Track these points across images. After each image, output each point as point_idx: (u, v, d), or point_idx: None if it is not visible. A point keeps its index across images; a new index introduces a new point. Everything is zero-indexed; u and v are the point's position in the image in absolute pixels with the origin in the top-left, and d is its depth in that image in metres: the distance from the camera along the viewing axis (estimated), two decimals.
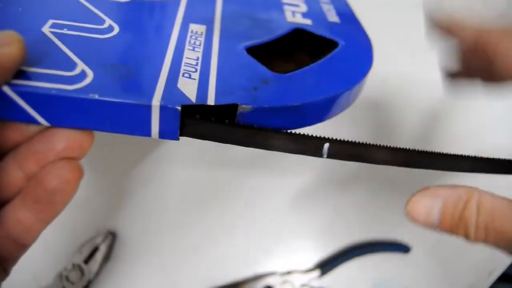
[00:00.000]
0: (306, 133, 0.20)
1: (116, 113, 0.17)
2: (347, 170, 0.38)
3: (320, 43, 0.24)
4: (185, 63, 0.19)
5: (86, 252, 0.33)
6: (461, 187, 0.19)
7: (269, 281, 0.35)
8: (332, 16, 0.26)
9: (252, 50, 0.22)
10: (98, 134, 0.18)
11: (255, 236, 0.37)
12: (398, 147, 0.21)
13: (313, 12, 0.26)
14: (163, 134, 0.18)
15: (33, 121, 0.16)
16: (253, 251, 0.37)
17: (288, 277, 0.36)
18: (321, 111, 0.21)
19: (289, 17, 0.25)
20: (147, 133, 0.17)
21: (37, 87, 0.16)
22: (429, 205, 0.20)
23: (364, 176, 0.38)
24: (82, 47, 0.18)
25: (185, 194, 0.37)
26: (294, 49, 0.26)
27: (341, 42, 0.24)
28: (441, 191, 0.20)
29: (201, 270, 0.36)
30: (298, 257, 0.37)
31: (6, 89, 0.15)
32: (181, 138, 0.18)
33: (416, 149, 0.22)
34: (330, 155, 0.20)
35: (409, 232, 0.38)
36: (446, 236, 0.37)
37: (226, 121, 0.18)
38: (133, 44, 0.20)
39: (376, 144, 0.21)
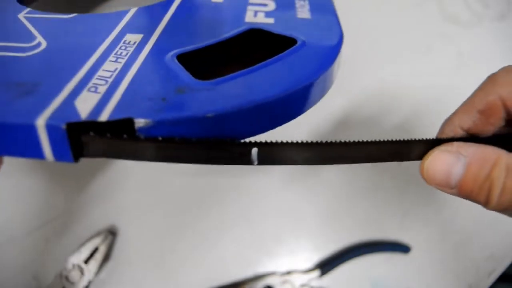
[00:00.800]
0: (228, 140, 0.17)
1: (4, 134, 0.16)
2: (347, 170, 0.38)
3: (280, 42, 0.22)
4: (98, 75, 0.18)
5: (86, 252, 0.33)
6: (489, 147, 0.17)
7: (269, 281, 0.35)
8: (304, 13, 0.25)
9: (197, 56, 0.21)
10: None
11: (255, 236, 0.37)
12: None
13: (281, 9, 0.25)
14: (58, 156, 0.16)
15: None
16: (253, 251, 0.37)
17: (288, 277, 0.36)
18: (247, 121, 0.18)
19: (249, 17, 0.24)
20: (41, 155, 0.16)
21: None
22: (450, 162, 0.17)
23: (364, 176, 0.38)
24: None
25: (185, 194, 0.37)
26: (251, 50, 0.24)
27: (300, 40, 0.22)
28: (466, 148, 0.17)
29: (201, 270, 0.36)
30: (298, 257, 0.37)
31: None
32: None
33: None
34: (262, 161, 0.17)
35: (409, 232, 0.38)
36: (446, 236, 0.37)
37: (125, 135, 0.16)
38: (54, 60, 0.19)
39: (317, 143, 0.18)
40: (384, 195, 0.39)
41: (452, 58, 0.41)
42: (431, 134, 0.22)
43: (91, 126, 0.16)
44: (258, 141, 0.17)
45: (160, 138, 0.16)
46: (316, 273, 0.36)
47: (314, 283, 0.36)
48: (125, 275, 0.35)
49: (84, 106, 0.16)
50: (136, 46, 0.21)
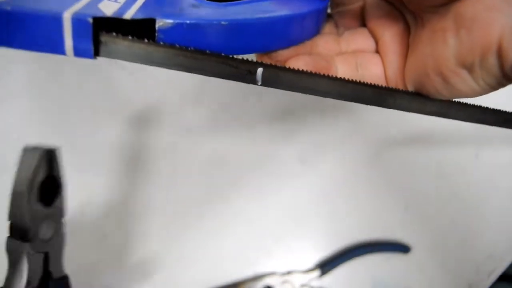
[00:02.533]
0: (238, 57, 0.18)
1: (29, 26, 0.16)
2: (347, 169, 0.38)
3: None
4: None
5: None
6: None
7: (269, 281, 0.35)
8: None
9: None
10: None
11: (255, 236, 0.37)
12: (346, 78, 0.20)
13: None
14: (78, 52, 0.17)
15: None
16: (253, 251, 0.37)
17: (288, 277, 0.36)
18: (258, 33, 0.19)
19: None
20: (61, 50, 0.17)
21: None
22: None
23: (364, 176, 0.38)
24: None
25: (184, 194, 0.37)
26: None
27: None
28: None
29: (201, 270, 0.36)
30: (298, 257, 0.37)
31: None
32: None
33: (369, 83, 0.21)
34: (265, 82, 0.19)
35: (409, 232, 0.38)
36: (446, 236, 0.37)
37: (145, 39, 0.17)
38: None
39: (318, 73, 0.20)
40: (384, 195, 0.39)
41: None
42: None
43: (115, 23, 0.17)
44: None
45: (177, 45, 0.17)
46: (316, 273, 0.36)
47: (314, 283, 0.36)
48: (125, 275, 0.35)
49: (108, 9, 0.17)
50: None
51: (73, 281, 0.23)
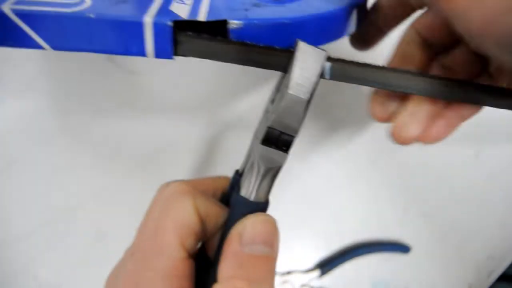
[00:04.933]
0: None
1: (111, 32, 0.18)
2: (347, 169, 0.38)
3: None
4: None
5: None
6: None
7: None
8: None
9: None
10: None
11: None
12: (419, 71, 0.21)
13: None
14: (158, 53, 0.18)
15: (36, 46, 0.18)
16: None
17: (288, 277, 0.36)
18: (316, 29, 0.20)
19: None
20: (142, 52, 0.18)
21: (38, 10, 0.17)
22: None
23: (364, 175, 0.38)
24: None
25: None
26: None
27: None
28: None
29: None
30: (298, 257, 0.37)
31: (8, 11, 0.17)
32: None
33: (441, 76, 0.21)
34: (334, 76, 0.20)
35: (409, 232, 0.38)
36: (446, 236, 0.37)
37: (218, 37, 0.19)
38: None
39: (384, 67, 0.20)
40: (384, 195, 0.39)
41: None
42: None
43: (192, 25, 0.18)
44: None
45: (249, 42, 0.19)
46: (316, 273, 0.36)
47: (314, 283, 0.36)
48: None
49: (180, 11, 0.19)
50: None
51: None
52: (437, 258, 0.38)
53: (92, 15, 0.17)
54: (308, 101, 0.18)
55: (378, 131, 0.39)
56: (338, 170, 0.38)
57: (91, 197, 0.35)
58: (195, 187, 0.21)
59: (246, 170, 0.20)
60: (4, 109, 0.34)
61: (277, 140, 0.19)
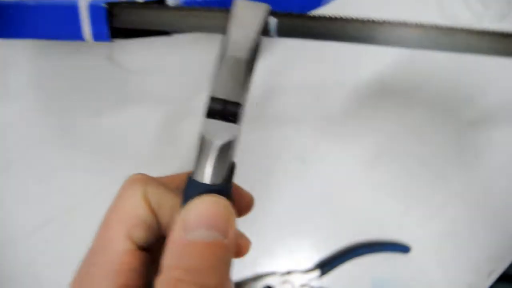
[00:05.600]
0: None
1: (50, 18, 0.18)
2: (347, 169, 0.38)
3: None
4: None
5: None
6: None
7: (269, 281, 0.35)
8: None
9: None
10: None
11: (255, 236, 0.37)
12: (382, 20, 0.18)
13: None
14: (96, 36, 0.19)
15: None
16: (253, 251, 0.36)
17: (288, 277, 0.36)
18: None
19: None
20: (79, 35, 0.19)
21: None
22: None
23: (364, 175, 0.38)
24: None
25: None
26: None
27: None
28: None
29: None
30: (298, 257, 0.37)
31: None
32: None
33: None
34: (282, 32, 0.17)
35: (409, 232, 0.38)
36: (446, 236, 0.37)
37: (154, 5, 0.18)
38: None
39: (340, 17, 0.18)
40: (384, 195, 0.39)
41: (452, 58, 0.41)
42: None
43: (127, 3, 0.18)
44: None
45: (184, 7, 0.18)
46: (316, 273, 0.36)
47: (314, 283, 0.36)
48: None
49: None
50: None
51: None
52: (437, 258, 0.38)
53: (31, 2, 0.18)
54: (249, 61, 0.16)
55: (379, 131, 0.39)
56: (338, 170, 0.38)
57: (91, 197, 0.35)
58: (154, 178, 0.19)
59: (197, 151, 0.17)
60: (4, 109, 0.34)
61: (223, 110, 0.17)
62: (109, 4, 0.18)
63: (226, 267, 0.16)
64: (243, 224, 0.37)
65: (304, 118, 0.38)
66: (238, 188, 0.24)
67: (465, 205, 0.39)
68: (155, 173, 0.21)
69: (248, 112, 0.37)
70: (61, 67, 0.35)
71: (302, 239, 0.37)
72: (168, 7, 0.18)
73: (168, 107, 0.36)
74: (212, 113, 0.17)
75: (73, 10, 0.18)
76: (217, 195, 0.16)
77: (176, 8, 0.18)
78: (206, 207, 0.16)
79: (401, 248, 0.38)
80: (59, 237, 0.34)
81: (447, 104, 0.40)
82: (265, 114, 0.38)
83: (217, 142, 0.17)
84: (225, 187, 0.17)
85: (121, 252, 0.17)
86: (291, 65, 0.38)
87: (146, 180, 0.19)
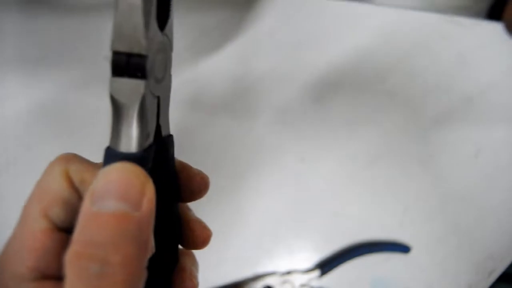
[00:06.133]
0: None
1: None
2: (347, 169, 0.38)
3: None
4: None
5: None
6: None
7: (269, 281, 0.35)
8: None
9: None
10: None
11: (255, 236, 0.37)
12: None
13: None
14: None
15: None
16: (253, 251, 0.37)
17: (288, 277, 0.36)
18: None
19: None
20: None
21: None
22: None
23: (363, 175, 0.38)
24: None
25: None
26: None
27: None
28: None
29: (201, 270, 0.36)
30: (298, 257, 0.37)
31: None
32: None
33: None
34: None
35: (409, 232, 0.38)
36: (446, 236, 0.37)
37: None
38: None
39: None
40: (384, 195, 0.39)
41: (452, 58, 0.41)
42: None
43: None
44: None
45: None
46: (316, 273, 0.36)
47: (314, 283, 0.36)
48: None
49: None
50: None
51: None
52: (437, 258, 0.38)
53: None
54: (146, 4, 0.14)
55: (379, 131, 0.39)
56: (338, 170, 0.38)
57: None
58: (79, 156, 0.18)
59: (111, 116, 0.15)
60: (4, 109, 0.34)
61: (127, 65, 0.15)
62: None
63: (134, 242, 0.13)
64: (243, 224, 0.37)
65: (304, 118, 0.38)
66: (186, 167, 0.21)
67: (465, 205, 0.39)
68: None
69: (248, 110, 0.37)
70: (61, 67, 0.35)
71: (302, 239, 0.37)
72: None
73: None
74: (117, 70, 0.14)
75: None
76: (129, 162, 0.14)
77: None
78: (115, 176, 0.14)
79: (401, 248, 0.38)
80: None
81: (447, 104, 0.40)
82: (264, 114, 0.38)
83: (126, 104, 0.15)
84: (143, 156, 0.15)
85: (35, 230, 0.16)
86: (287, 63, 0.38)
87: (69, 157, 0.17)
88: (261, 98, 0.38)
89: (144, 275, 0.14)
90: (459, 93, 0.40)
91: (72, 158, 0.17)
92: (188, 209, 0.22)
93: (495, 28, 0.40)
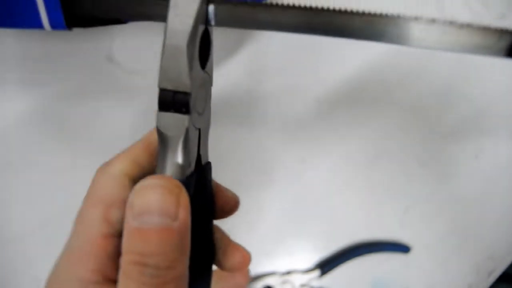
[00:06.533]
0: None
1: (10, 7, 0.19)
2: (347, 169, 0.38)
3: None
4: None
5: None
6: None
7: (269, 281, 0.35)
8: None
9: None
10: None
11: (255, 236, 0.37)
12: (317, 7, 0.17)
13: None
14: (53, 24, 0.20)
15: None
16: (253, 251, 0.36)
17: (288, 277, 0.36)
18: None
19: None
20: (39, 23, 0.20)
21: None
22: None
23: (363, 175, 0.38)
24: None
25: None
26: None
27: None
28: None
29: None
30: (298, 257, 0.37)
31: None
32: None
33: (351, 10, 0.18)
34: (221, 20, 0.17)
35: (409, 232, 0.38)
36: (446, 236, 0.36)
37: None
38: None
39: (279, 4, 0.17)
40: (384, 195, 0.39)
41: (453, 61, 0.41)
42: None
43: None
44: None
45: None
46: (316, 273, 0.36)
47: (314, 283, 0.36)
48: None
49: None
50: None
51: None
52: (437, 258, 0.38)
53: None
54: (190, 48, 0.15)
55: (379, 131, 0.39)
56: (338, 170, 0.38)
57: None
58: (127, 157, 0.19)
59: (158, 148, 0.17)
60: (4, 109, 0.34)
61: (173, 102, 0.16)
62: None
63: (177, 248, 0.15)
64: (243, 224, 0.37)
65: (304, 118, 0.38)
66: (222, 190, 0.24)
67: (465, 205, 0.39)
68: None
69: (247, 113, 0.37)
70: (61, 67, 0.35)
71: (302, 239, 0.37)
72: None
73: None
74: (163, 106, 0.16)
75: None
76: (161, 176, 0.16)
77: None
78: (152, 192, 0.15)
79: (401, 248, 0.38)
80: (59, 237, 0.34)
81: (446, 104, 0.40)
82: (264, 115, 0.38)
83: (172, 136, 0.16)
84: (185, 183, 0.16)
85: (96, 235, 0.17)
86: (289, 66, 0.38)
87: (120, 159, 0.19)
88: (261, 102, 0.38)
89: (187, 274, 0.16)
90: (459, 93, 0.40)
91: (123, 160, 0.18)
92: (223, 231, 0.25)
93: None
